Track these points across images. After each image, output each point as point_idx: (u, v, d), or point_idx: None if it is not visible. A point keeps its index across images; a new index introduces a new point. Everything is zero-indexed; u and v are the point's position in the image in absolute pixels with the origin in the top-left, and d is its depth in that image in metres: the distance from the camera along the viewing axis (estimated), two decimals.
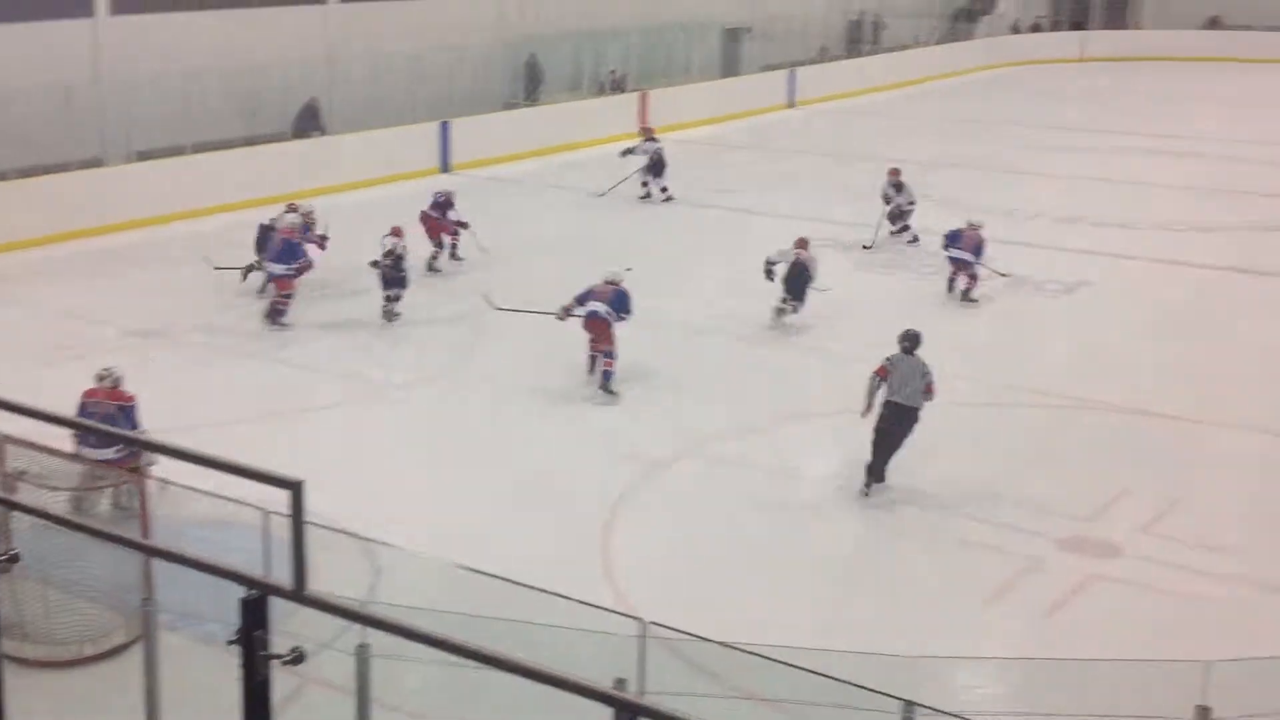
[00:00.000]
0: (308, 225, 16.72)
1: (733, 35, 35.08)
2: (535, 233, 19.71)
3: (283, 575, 3.45)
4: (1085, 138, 28.72)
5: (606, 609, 7.50)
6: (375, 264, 15.55)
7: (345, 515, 9.19)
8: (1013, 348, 15.31)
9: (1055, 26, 44.83)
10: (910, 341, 11.37)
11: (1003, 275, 17.40)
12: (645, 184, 22.39)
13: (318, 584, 3.43)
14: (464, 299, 16.17)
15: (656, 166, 22.32)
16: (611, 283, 13.66)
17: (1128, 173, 24.89)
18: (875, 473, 11.13)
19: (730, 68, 34.58)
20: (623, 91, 30.40)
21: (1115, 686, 7.58)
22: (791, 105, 33.31)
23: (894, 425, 11.04)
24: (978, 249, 16.54)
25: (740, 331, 15.54)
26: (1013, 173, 24.42)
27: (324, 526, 6.98)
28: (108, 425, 9.05)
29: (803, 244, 15.82)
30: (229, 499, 7.29)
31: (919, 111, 33.32)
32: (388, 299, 15.61)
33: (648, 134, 23.30)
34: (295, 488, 3.27)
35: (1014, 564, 10.06)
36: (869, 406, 11.16)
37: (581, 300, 13.58)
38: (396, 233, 15.81)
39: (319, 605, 3.36)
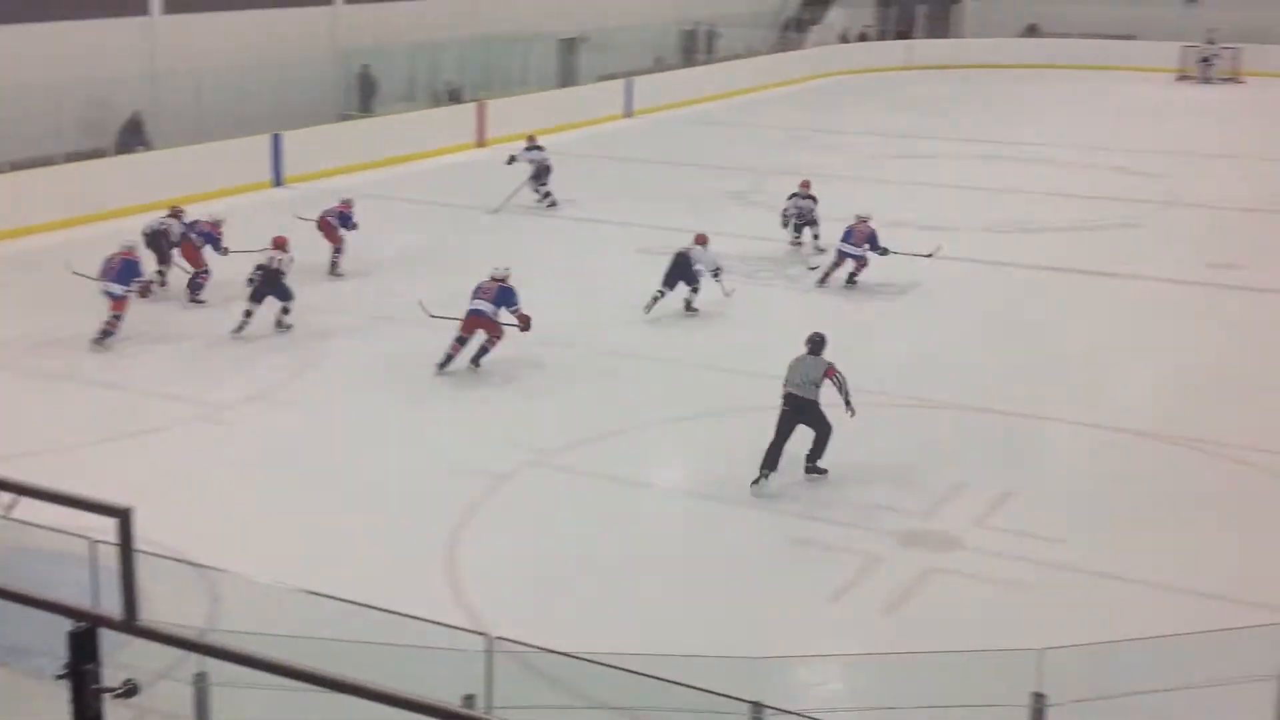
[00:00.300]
0: (217, 235, 17.10)
1: (569, 45, 35.18)
2: (379, 245, 19.34)
3: (114, 606, 3.34)
4: (913, 144, 29.53)
5: (452, 626, 7.43)
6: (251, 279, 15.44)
7: (180, 542, 8.93)
8: (849, 349, 15.54)
9: (882, 36, 45.99)
10: (813, 345, 11.86)
11: (927, 256, 18.13)
12: (536, 190, 22.59)
13: (151, 614, 3.33)
14: (295, 314, 15.87)
15: (541, 174, 22.55)
16: (497, 279, 14.37)
17: (954, 177, 25.66)
18: (768, 461, 11.44)
19: (567, 78, 34.67)
20: (459, 102, 30.24)
21: (955, 677, 7.77)
22: (629, 114, 33.52)
23: (789, 414, 11.52)
24: (870, 240, 17.61)
25: (582, 341, 15.57)
26: (844, 179, 24.93)
27: (156, 554, 6.77)
28: None
29: (702, 239, 16.75)
30: (53, 529, 7.03)
31: (754, 120, 33.83)
32: (246, 313, 15.36)
33: (531, 142, 23.27)
34: (123, 515, 3.17)
35: (855, 561, 10.26)
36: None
37: (472, 297, 14.25)
38: (278, 244, 15.58)
39: (151, 635, 3.26)
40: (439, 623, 7.12)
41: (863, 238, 17.62)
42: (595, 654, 6.82)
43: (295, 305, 15.67)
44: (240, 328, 15.35)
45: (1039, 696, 6.49)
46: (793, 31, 44.06)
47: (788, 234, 19.76)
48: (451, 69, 31.43)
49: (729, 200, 23.76)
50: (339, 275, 18.02)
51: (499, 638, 6.69)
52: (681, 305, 16.50)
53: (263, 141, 24.12)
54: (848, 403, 11.53)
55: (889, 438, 12.83)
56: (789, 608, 9.69)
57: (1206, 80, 39.83)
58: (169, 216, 17.43)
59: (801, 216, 19.60)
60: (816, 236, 19.46)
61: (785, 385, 11.62)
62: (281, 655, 3.33)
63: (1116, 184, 25.00)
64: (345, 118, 28.10)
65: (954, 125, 32.01)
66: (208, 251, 17.05)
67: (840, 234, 17.86)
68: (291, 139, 24.46)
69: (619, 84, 33.88)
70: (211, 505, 11.10)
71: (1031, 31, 45.59)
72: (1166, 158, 27.40)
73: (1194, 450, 12.48)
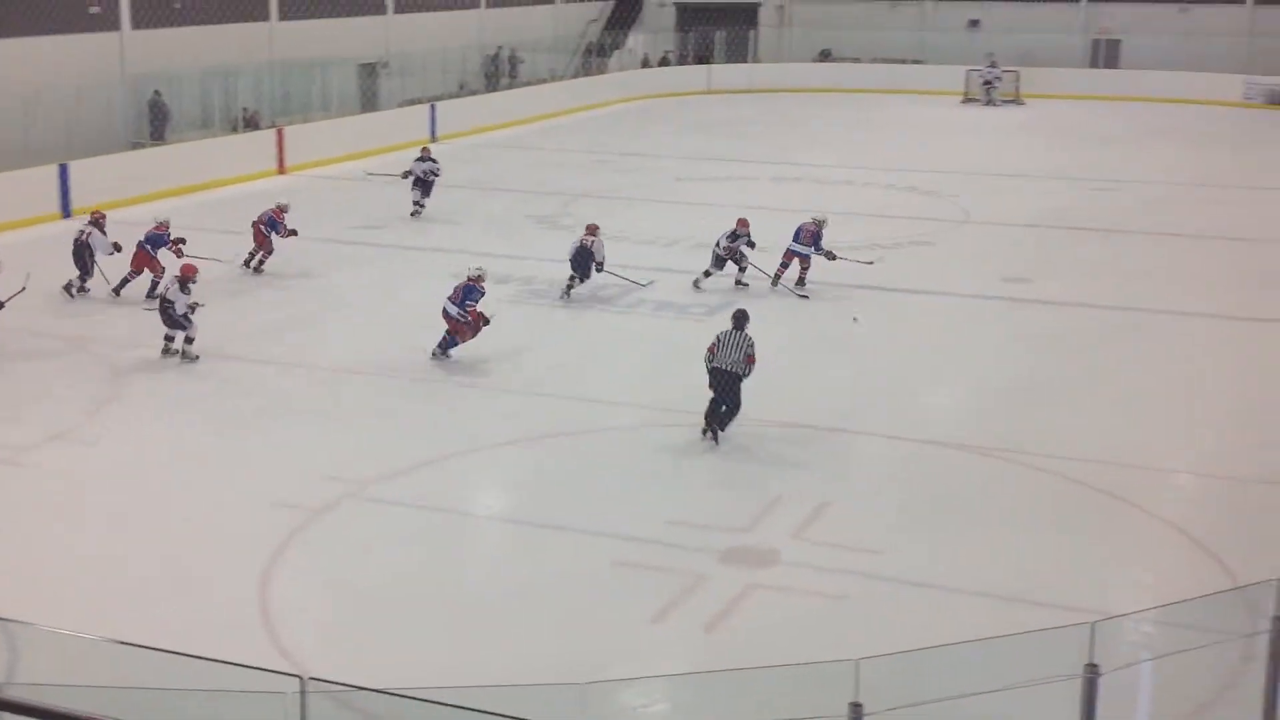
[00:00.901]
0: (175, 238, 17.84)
1: (369, 70, 34.78)
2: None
3: None
4: (715, 166, 30.02)
5: (264, 669, 7.19)
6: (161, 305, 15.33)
7: None
8: (664, 370, 15.73)
9: (682, 60, 46.72)
10: (737, 320, 13.38)
11: (868, 264, 19.13)
12: (416, 202, 23.74)
13: None
14: (85, 346, 15.26)
15: (424, 184, 23.69)
16: (471, 278, 15.48)
17: (755, 199, 26.13)
18: (710, 425, 13.02)
19: (369, 103, 34.26)
20: (257, 129, 29.57)
21: (776, 692, 7.86)
22: (434, 139, 33.26)
23: (718, 388, 12.96)
24: (814, 239, 18.68)
25: (397, 369, 15.34)
26: (650, 201, 25.21)
27: None
28: None
29: (592, 230, 18.31)
30: None
31: (559, 144, 33.95)
32: (167, 339, 15.27)
33: (425, 154, 24.29)
34: None
35: (677, 580, 10.31)
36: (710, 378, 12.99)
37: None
38: (185, 273, 15.39)
39: None
40: (251, 666, 6.88)
41: (809, 236, 18.67)
42: (415, 689, 6.68)
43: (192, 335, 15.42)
44: (185, 356, 15.33)
45: (856, 706, 6.61)
46: (595, 56, 44.43)
47: (707, 270, 18.97)
48: (248, 95, 30.72)
49: (536, 224, 23.76)
50: (259, 272, 19.39)
51: (313, 678, 6.49)
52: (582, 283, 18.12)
53: (50, 172, 23.15)
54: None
55: (707, 456, 12.96)
56: (612, 630, 9.68)
57: (990, 102, 41.53)
58: (90, 224, 17.92)
59: (733, 254, 18.88)
60: (743, 269, 19.08)
61: (714, 363, 12.98)
62: (86, 708, 3.16)
63: (910, 203, 25.84)
64: (136, 146, 27.19)
65: (753, 148, 32.65)
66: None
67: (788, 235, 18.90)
68: (80, 168, 23.54)
69: (423, 109, 33.62)
70: (9, 553, 10.54)
71: (824, 56, 46.93)
72: (956, 177, 28.41)
73: (998, 459, 12.93)
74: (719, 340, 13.23)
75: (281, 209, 19.62)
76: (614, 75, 43.33)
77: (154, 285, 17.52)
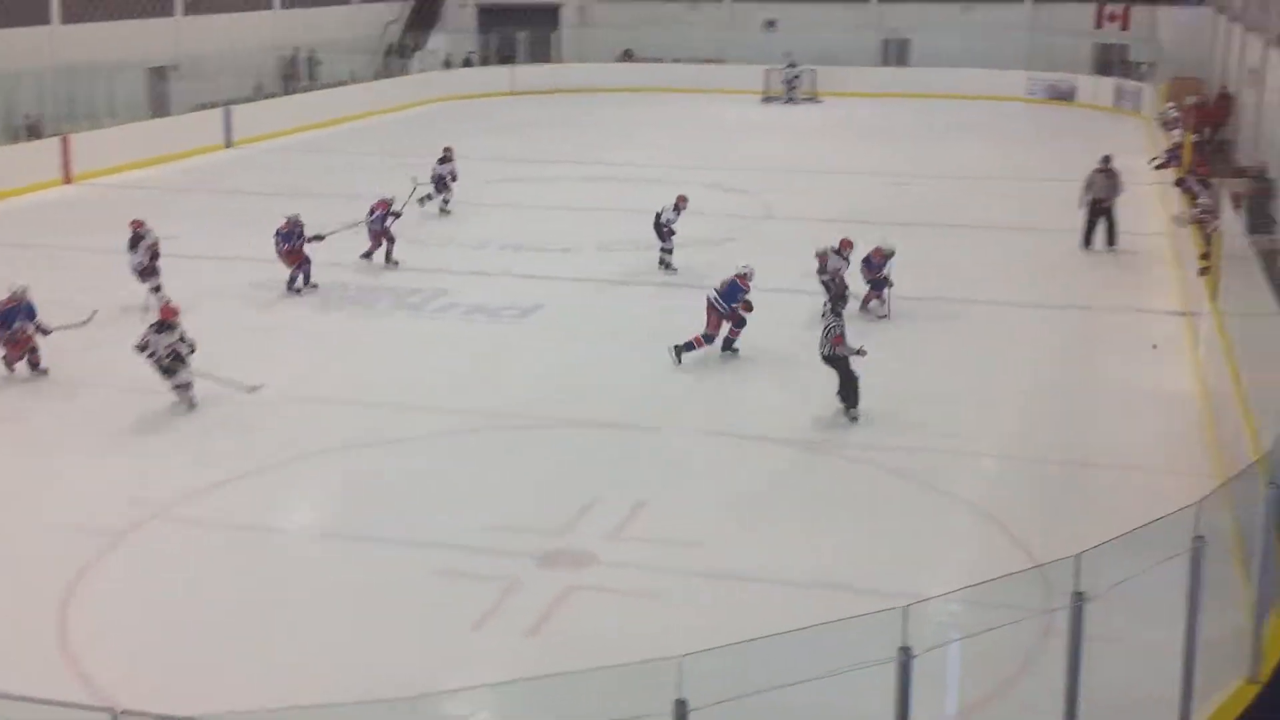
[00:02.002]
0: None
1: (159, 74, 33.63)
2: None
3: None
4: (522, 167, 29.93)
5: (70, 704, 6.88)
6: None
7: None
8: (477, 374, 15.60)
9: (485, 61, 46.46)
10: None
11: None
12: (431, 198, 24.04)
13: None
14: None
15: (440, 182, 24.01)
16: (738, 275, 15.93)
17: (565, 199, 26.17)
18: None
19: (159, 108, 33.11)
20: (40, 137, 28.30)
21: (600, 693, 7.86)
22: (230, 144, 32.35)
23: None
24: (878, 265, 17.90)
25: (198, 384, 14.83)
26: (459, 204, 24.96)
27: None
28: None
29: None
30: None
31: (362, 147, 33.39)
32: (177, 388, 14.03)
33: (446, 154, 24.55)
34: None
35: (495, 587, 10.23)
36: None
37: None
38: (167, 314, 14.20)
39: None
40: (55, 701, 6.57)
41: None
42: (229, 715, 6.49)
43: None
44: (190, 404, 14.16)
45: (681, 703, 6.66)
46: (396, 57, 43.84)
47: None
48: (29, 102, 29.37)
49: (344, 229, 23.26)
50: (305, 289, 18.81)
51: (124, 711, 6.24)
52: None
53: None
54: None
55: (522, 459, 12.90)
56: (433, 641, 9.56)
57: (790, 100, 42.42)
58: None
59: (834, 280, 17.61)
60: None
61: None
62: None
63: (714, 200, 26.15)
64: None
65: (560, 148, 32.68)
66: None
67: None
68: None
69: (217, 113, 32.65)
70: None
71: (627, 56, 47.27)
72: (759, 174, 28.91)
73: (811, 451, 13.20)
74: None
75: (385, 201, 19.97)
76: (416, 77, 42.84)
77: (292, 279, 18.53)
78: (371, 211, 20.14)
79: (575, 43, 48.03)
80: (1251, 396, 11.66)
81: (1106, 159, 22.08)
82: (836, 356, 14.00)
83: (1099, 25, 44.71)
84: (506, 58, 46.43)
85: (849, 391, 14.00)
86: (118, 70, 31.91)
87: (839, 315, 14.24)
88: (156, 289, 17.54)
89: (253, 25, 38.53)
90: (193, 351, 14.08)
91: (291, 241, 18.64)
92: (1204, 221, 18.39)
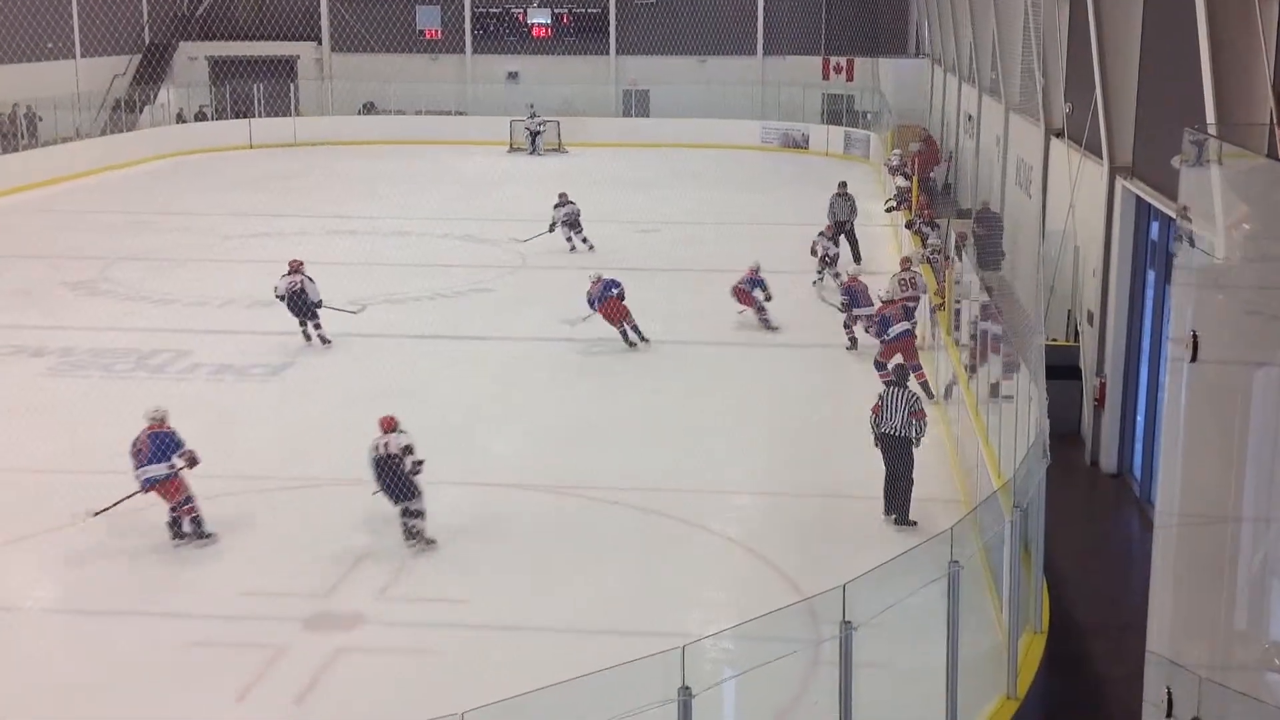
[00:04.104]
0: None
1: None
2: None
3: None
4: (265, 221, 29.16)
5: None
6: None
7: None
8: (226, 435, 15.04)
9: (220, 115, 45.18)
10: (898, 375, 12.67)
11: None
12: (570, 238, 25.80)
13: None
14: None
15: (572, 223, 25.85)
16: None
17: (313, 253, 25.53)
18: (891, 506, 12.19)
19: None
20: None
21: None
22: None
23: (889, 456, 12.18)
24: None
25: None
26: (196, 261, 24.16)
27: None
28: None
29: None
30: None
31: (92, 205, 31.95)
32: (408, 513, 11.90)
33: (563, 198, 26.01)
34: None
35: (259, 655, 9.86)
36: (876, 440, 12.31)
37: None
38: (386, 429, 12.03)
39: None
40: None
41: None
42: None
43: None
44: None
45: None
46: (125, 112, 42.18)
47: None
48: None
49: (72, 291, 22.22)
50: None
51: None
52: None
53: None
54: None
55: (274, 521, 12.51)
56: (194, 716, 9.12)
57: (535, 151, 42.71)
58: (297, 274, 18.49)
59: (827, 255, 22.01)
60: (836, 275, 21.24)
61: (881, 427, 12.12)
62: None
63: (466, 251, 26.11)
64: None
65: (303, 202, 31.99)
66: None
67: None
68: None
69: None
70: None
71: (369, 109, 46.77)
72: (508, 224, 28.92)
73: (570, 496, 13.23)
74: (882, 400, 12.22)
75: (753, 269, 19.77)
76: (146, 132, 41.29)
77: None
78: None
79: (314, 95, 47.25)
80: (990, 426, 12.28)
81: (843, 184, 25.26)
82: (911, 439, 12.12)
83: (826, 77, 46.79)
84: (242, 111, 45.27)
85: (905, 492, 12.17)
86: None
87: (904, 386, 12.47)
88: None
89: None
90: None
91: None
92: (934, 261, 19.36)
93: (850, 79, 46.38)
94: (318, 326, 18.65)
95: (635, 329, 18.60)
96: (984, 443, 12.16)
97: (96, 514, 11.80)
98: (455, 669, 9.72)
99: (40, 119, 38.36)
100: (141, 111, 42.87)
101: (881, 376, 14.35)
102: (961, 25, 32.44)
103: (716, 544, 12.19)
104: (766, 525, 12.75)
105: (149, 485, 11.79)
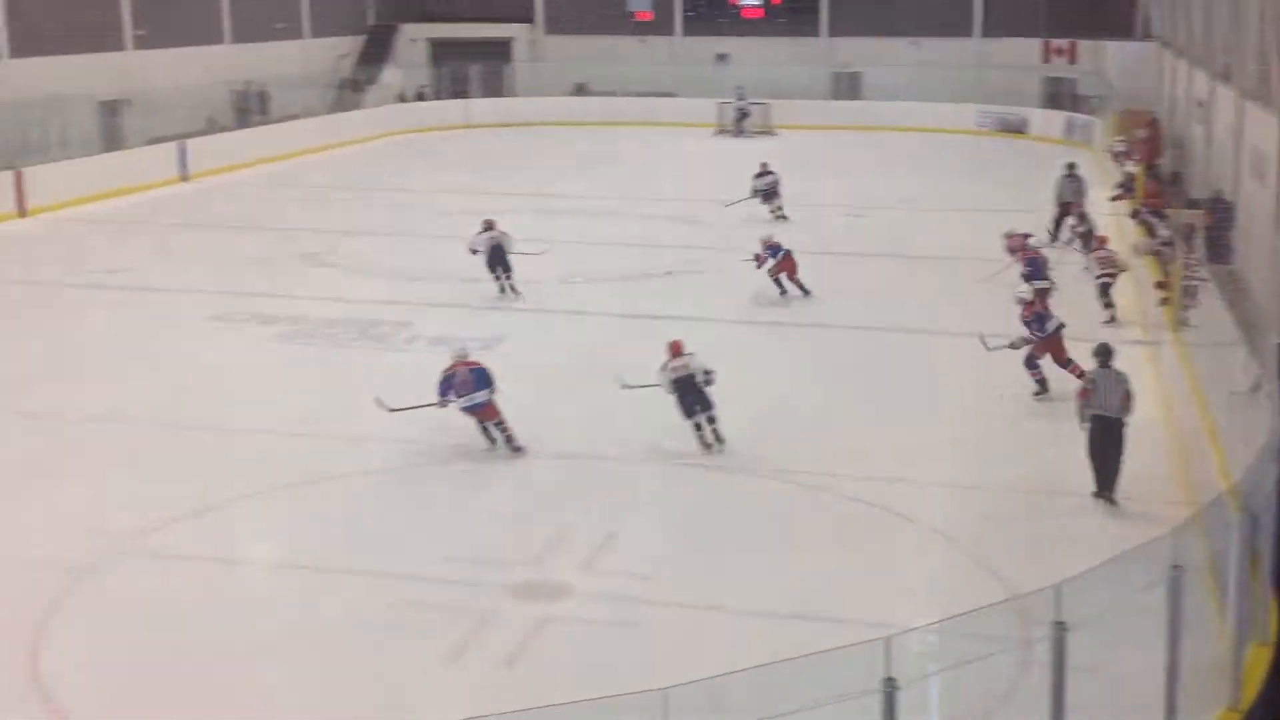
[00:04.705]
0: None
1: (111, 108, 33.36)
2: None
3: None
4: (481, 200, 29.82)
5: None
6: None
7: None
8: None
9: (438, 95, 46.42)
10: (1103, 355, 12.26)
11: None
12: (772, 209, 26.59)
13: None
14: None
15: (772, 193, 26.59)
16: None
17: (525, 231, 26.03)
18: (1105, 486, 11.89)
19: (113, 142, 32.84)
20: None
21: None
22: (185, 178, 32.11)
23: (1102, 438, 11.84)
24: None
25: (160, 417, 14.68)
26: (415, 236, 24.90)
27: None
28: None
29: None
30: None
31: (320, 180, 33.24)
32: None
33: (764, 167, 26.99)
34: None
35: (468, 619, 10.15)
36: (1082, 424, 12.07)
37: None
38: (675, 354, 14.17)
39: None
40: None
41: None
42: None
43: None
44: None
45: None
46: (349, 91, 43.71)
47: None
48: None
49: (303, 262, 23.17)
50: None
51: None
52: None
53: None
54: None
55: (486, 491, 12.82)
56: (405, 675, 9.46)
57: (741, 134, 42.61)
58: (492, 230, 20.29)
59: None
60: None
61: (1088, 409, 11.88)
62: None
63: (673, 232, 26.24)
64: None
65: (517, 181, 32.64)
66: None
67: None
68: None
69: (171, 147, 32.41)
70: None
71: (580, 90, 47.38)
72: (716, 206, 28.90)
73: (776, 480, 13.19)
74: (1094, 382, 12.13)
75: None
76: (370, 111, 42.73)
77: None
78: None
79: (528, 76, 48.10)
80: (1219, 425, 11.78)
81: (1072, 165, 24.64)
82: (1124, 421, 11.96)
83: (1046, 60, 45.33)
84: (460, 91, 46.41)
85: (1116, 473, 12.00)
86: (69, 104, 31.61)
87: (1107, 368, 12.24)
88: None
89: (203, 59, 38.32)
90: None
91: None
92: (1162, 253, 18.63)
93: (1073, 61, 44.87)
94: (510, 278, 20.17)
95: (800, 285, 20.09)
96: (1211, 441, 11.68)
97: (394, 410, 13.56)
98: (657, 645, 9.82)
99: (271, 97, 40.07)
100: (365, 91, 44.34)
101: (1076, 374, 14.14)
102: (1194, 7, 31.06)
103: (919, 534, 12.01)
104: (970, 517, 12.48)
105: (476, 409, 13.49)
